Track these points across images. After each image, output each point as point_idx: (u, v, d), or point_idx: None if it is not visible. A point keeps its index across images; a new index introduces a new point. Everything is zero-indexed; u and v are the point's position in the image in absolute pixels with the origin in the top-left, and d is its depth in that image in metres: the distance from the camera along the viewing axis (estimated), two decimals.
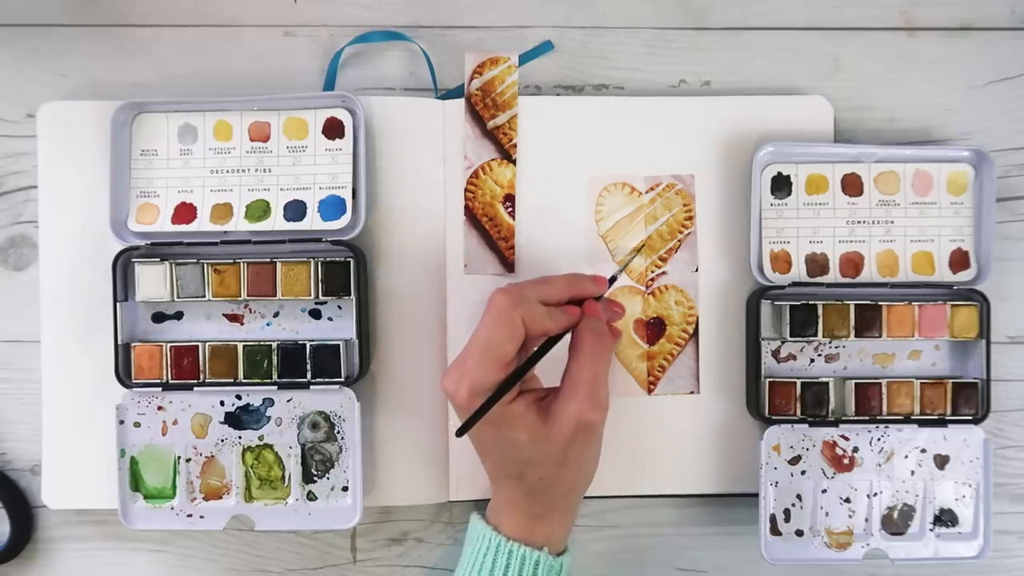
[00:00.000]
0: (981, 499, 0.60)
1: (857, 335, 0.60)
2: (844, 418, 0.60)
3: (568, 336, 0.54)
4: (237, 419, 0.60)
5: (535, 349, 0.53)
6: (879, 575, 0.63)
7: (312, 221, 0.59)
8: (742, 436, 0.61)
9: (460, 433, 0.51)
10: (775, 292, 0.60)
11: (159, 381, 0.59)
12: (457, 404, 0.52)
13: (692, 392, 0.62)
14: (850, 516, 0.60)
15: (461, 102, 0.61)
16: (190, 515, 0.59)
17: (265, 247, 0.59)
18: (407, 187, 0.61)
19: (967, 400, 0.60)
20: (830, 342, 0.62)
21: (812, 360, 0.62)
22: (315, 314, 0.61)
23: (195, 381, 0.59)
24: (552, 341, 0.54)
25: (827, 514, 0.60)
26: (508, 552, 0.53)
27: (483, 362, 0.51)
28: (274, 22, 0.62)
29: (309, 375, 0.59)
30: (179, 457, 0.60)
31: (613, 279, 0.56)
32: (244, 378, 0.59)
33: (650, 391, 0.62)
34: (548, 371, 0.54)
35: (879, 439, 0.60)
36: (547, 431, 0.51)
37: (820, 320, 0.60)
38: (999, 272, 0.61)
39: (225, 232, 0.59)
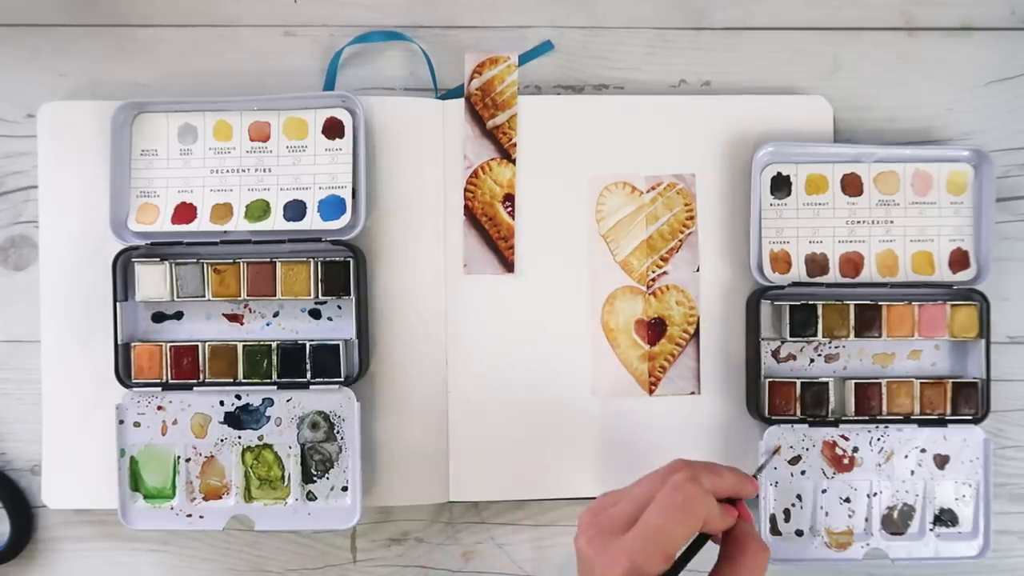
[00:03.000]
0: (981, 499, 0.60)
1: (857, 335, 0.60)
2: (844, 418, 0.60)
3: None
4: (237, 419, 0.60)
5: (687, 545, 0.48)
6: (879, 575, 0.62)
7: (312, 221, 0.59)
8: (742, 436, 0.61)
9: None
10: (775, 292, 0.60)
11: (159, 381, 0.59)
12: None
13: (693, 392, 0.62)
14: (850, 516, 0.60)
15: (461, 102, 0.61)
16: (190, 515, 0.59)
17: (265, 247, 0.59)
18: (407, 187, 0.61)
19: (967, 400, 0.60)
20: (830, 342, 0.62)
21: (812, 360, 0.62)
22: (315, 314, 0.61)
23: (195, 381, 0.59)
24: (704, 538, 0.49)
25: (827, 514, 0.60)
26: None
27: (649, 549, 0.45)
28: (274, 22, 0.62)
29: (309, 375, 0.59)
30: (179, 457, 0.59)
31: (754, 478, 0.53)
32: (244, 378, 0.59)
33: (651, 392, 0.62)
34: None
35: (879, 439, 0.60)
36: None
37: (820, 320, 0.60)
38: (999, 272, 0.61)
39: (225, 232, 0.59)
